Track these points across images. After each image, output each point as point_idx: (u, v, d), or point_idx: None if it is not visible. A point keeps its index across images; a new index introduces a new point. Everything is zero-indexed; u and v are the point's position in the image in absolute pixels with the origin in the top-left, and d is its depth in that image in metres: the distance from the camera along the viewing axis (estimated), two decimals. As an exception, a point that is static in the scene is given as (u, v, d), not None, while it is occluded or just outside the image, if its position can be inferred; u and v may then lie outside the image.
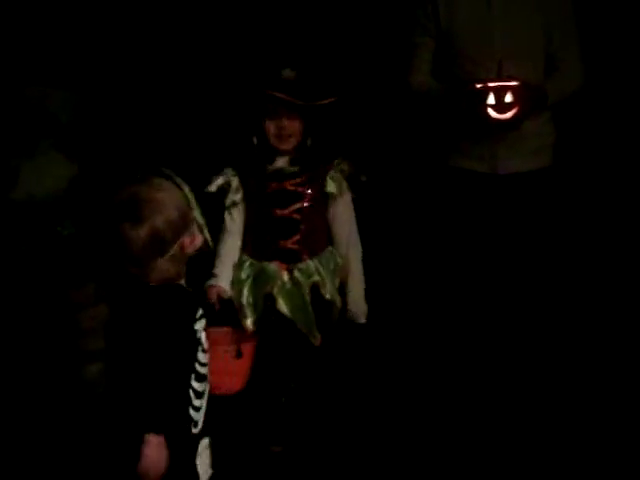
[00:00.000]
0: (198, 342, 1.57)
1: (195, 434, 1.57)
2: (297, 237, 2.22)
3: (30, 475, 2.14)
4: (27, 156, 2.43)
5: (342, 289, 2.28)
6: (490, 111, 2.29)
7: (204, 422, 1.60)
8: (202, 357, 1.58)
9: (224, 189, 2.24)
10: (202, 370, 1.59)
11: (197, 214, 1.56)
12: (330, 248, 2.28)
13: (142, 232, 1.47)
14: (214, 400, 1.80)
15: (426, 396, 2.54)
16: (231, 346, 2.10)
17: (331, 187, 2.23)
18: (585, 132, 2.83)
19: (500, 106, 2.28)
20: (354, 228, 2.31)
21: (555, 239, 2.47)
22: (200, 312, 1.58)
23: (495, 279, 2.42)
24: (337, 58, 2.77)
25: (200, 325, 1.57)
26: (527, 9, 2.33)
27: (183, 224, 1.52)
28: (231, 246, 2.24)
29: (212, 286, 2.21)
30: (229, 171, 2.24)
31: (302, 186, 2.22)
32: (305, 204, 2.22)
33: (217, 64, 2.72)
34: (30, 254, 2.37)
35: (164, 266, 1.51)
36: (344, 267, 2.27)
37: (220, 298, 2.20)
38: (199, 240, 1.58)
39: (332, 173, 2.24)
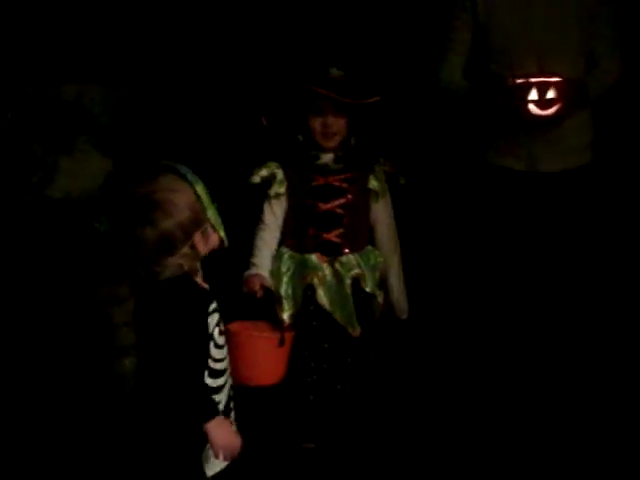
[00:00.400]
0: (210, 337, 1.57)
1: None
2: (339, 230, 2.23)
3: (65, 467, 2.14)
4: (65, 153, 2.43)
5: (382, 286, 2.29)
6: (531, 107, 2.24)
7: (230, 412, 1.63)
8: (216, 353, 1.58)
9: (267, 181, 2.25)
10: (217, 366, 1.58)
11: (211, 213, 1.54)
12: (370, 247, 2.30)
13: (152, 234, 1.49)
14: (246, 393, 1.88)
15: (467, 395, 2.50)
16: (273, 334, 2.08)
17: (374, 185, 2.26)
18: (623, 129, 2.77)
19: (542, 102, 2.23)
20: (394, 227, 2.34)
21: (593, 238, 2.44)
22: (213, 306, 1.58)
23: (533, 276, 2.39)
24: (379, 57, 2.74)
25: (213, 319, 1.57)
26: (568, 4, 2.29)
27: (195, 224, 1.52)
28: (270, 238, 2.25)
29: (254, 274, 2.21)
30: (273, 164, 2.26)
31: (346, 182, 2.24)
32: (348, 199, 2.23)
33: (263, 62, 2.71)
34: (67, 250, 2.38)
35: (175, 264, 1.51)
36: (384, 265, 2.29)
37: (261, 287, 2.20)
38: (214, 239, 1.57)
39: (375, 172, 2.27)
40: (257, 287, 2.19)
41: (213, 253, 1.58)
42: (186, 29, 2.68)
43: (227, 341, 1.93)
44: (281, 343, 2.04)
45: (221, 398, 1.60)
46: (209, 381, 1.57)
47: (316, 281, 2.21)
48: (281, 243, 2.28)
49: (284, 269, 2.23)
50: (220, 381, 1.59)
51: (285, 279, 2.23)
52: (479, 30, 2.35)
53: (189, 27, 2.68)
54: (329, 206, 2.23)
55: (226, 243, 1.59)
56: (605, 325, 2.65)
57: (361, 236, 2.29)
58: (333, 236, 2.23)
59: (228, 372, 1.63)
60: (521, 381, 2.44)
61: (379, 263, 2.28)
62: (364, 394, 2.28)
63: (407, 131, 2.66)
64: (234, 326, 2.02)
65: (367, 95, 2.19)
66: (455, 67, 2.38)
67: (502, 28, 2.30)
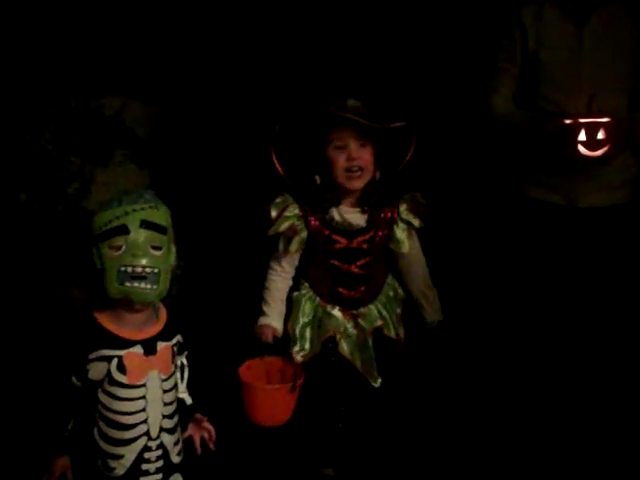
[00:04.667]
0: (94, 383, 1.58)
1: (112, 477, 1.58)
2: (362, 288, 2.13)
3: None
4: (101, 165, 2.47)
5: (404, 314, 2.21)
6: (580, 148, 2.12)
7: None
8: (111, 403, 1.58)
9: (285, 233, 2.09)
10: (116, 417, 1.58)
11: None
12: (389, 280, 2.20)
13: None
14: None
15: (494, 422, 2.42)
16: (284, 384, 2.04)
17: (398, 245, 2.10)
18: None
19: (591, 143, 2.10)
20: (421, 258, 2.20)
21: (631, 275, 2.32)
22: (102, 353, 1.58)
23: (569, 311, 2.30)
24: (401, 85, 2.64)
25: (98, 367, 1.58)
26: (619, 42, 2.19)
27: None
28: (284, 285, 2.13)
29: (266, 326, 2.11)
30: (291, 213, 2.07)
31: (370, 242, 2.09)
32: (372, 259, 2.10)
33: (279, 89, 2.63)
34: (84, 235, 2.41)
35: None
36: (413, 291, 2.19)
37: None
38: None
39: (399, 224, 2.10)
40: (269, 339, 2.10)
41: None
42: (218, 47, 2.64)
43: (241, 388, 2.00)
44: (292, 390, 2.01)
45: (123, 453, 1.58)
46: (107, 430, 1.57)
47: (338, 336, 2.11)
48: (297, 278, 2.17)
49: (301, 316, 2.12)
50: (123, 435, 1.58)
51: (302, 321, 2.12)
52: (527, 62, 2.23)
53: (222, 45, 2.64)
54: (352, 267, 2.10)
55: None
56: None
57: (381, 279, 2.18)
58: (355, 293, 2.13)
59: (142, 430, 1.59)
60: (549, 404, 2.36)
61: (400, 296, 2.19)
62: (383, 420, 2.21)
63: (439, 163, 2.55)
64: (245, 372, 2.03)
65: (391, 121, 2.02)
66: (505, 95, 2.29)
67: (551, 62, 2.21)
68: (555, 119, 2.12)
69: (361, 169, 2.04)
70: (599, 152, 2.11)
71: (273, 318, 2.12)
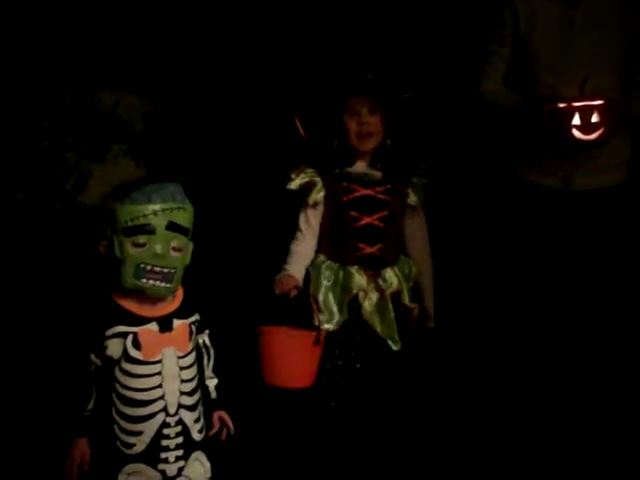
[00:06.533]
0: (112, 361, 1.61)
1: (132, 454, 1.60)
2: (380, 245, 2.17)
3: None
4: (98, 160, 2.47)
5: (415, 296, 2.25)
6: (575, 132, 2.12)
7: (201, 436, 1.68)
8: (127, 380, 1.60)
9: (304, 188, 2.17)
10: (130, 394, 1.59)
11: None
12: (403, 256, 2.24)
13: None
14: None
15: (495, 414, 2.42)
16: (307, 333, 2.01)
17: (413, 200, 2.21)
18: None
19: (585, 126, 2.11)
20: (427, 240, 2.29)
21: (627, 257, 2.33)
22: (118, 329, 1.60)
23: (565, 293, 2.30)
24: (409, 65, 2.66)
25: (115, 344, 1.60)
26: (610, 23, 2.18)
27: None
28: (306, 248, 2.18)
29: (287, 275, 2.13)
30: (309, 170, 2.18)
31: (388, 194, 2.18)
32: (390, 211, 2.18)
33: (297, 67, 2.63)
34: (97, 257, 2.41)
35: None
36: (417, 276, 2.24)
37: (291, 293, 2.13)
38: None
39: (415, 184, 2.22)
40: (291, 287, 2.11)
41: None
42: (221, 40, 2.64)
43: (259, 342, 1.98)
44: (316, 342, 1.99)
45: (142, 429, 1.59)
46: (125, 408, 1.59)
47: (362, 295, 2.15)
48: (316, 251, 2.21)
49: (323, 280, 2.16)
50: (140, 412, 1.59)
51: (324, 289, 2.16)
52: (519, 45, 2.24)
53: (224, 38, 2.65)
54: (370, 219, 2.17)
55: None
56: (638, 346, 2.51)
57: (398, 247, 2.23)
58: (375, 250, 2.17)
59: (159, 406, 1.61)
60: (549, 399, 2.35)
61: (413, 274, 2.23)
62: (389, 403, 2.20)
63: (440, 140, 2.57)
64: (263, 328, 2.00)
65: (403, 92, 2.17)
66: (496, 79, 2.29)
67: (543, 45, 2.20)
68: (548, 103, 2.12)
69: (370, 134, 2.16)
70: (593, 135, 2.11)
71: (294, 271, 2.14)
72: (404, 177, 2.21)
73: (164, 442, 1.61)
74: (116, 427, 1.60)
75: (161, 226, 1.58)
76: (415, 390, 2.24)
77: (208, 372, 1.76)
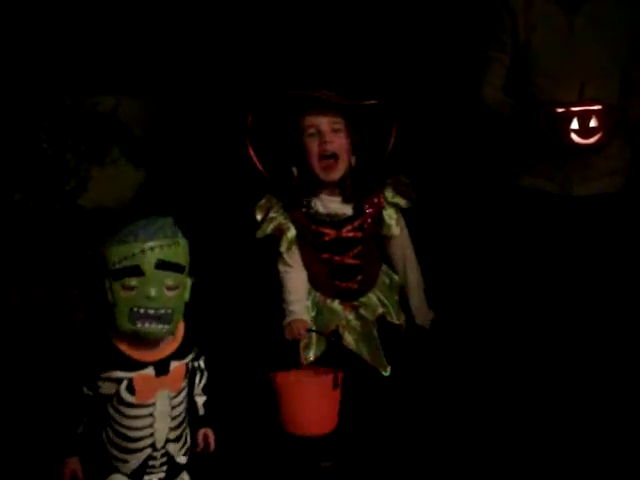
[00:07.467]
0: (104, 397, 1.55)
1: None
2: (359, 278, 2.11)
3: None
4: (97, 163, 2.47)
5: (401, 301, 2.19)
6: (573, 136, 2.12)
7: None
8: (120, 419, 1.54)
9: (274, 235, 2.06)
10: (123, 431, 1.55)
11: None
12: (384, 268, 2.18)
13: None
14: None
15: (495, 418, 2.40)
16: (324, 378, 1.96)
17: (389, 229, 2.11)
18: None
19: (584, 131, 2.10)
20: (409, 244, 2.19)
21: (625, 263, 2.31)
22: (116, 374, 1.53)
23: (563, 299, 2.28)
24: (391, 68, 2.63)
25: (106, 385, 1.54)
26: (610, 29, 2.18)
27: None
28: (298, 278, 2.09)
29: (298, 320, 2.04)
30: (276, 208, 2.06)
31: (358, 230, 2.08)
32: (364, 247, 2.09)
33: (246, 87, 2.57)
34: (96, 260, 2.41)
35: None
36: (403, 281, 2.18)
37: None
38: None
39: (387, 209, 2.10)
40: (303, 332, 2.04)
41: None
42: (221, 42, 2.65)
43: (275, 391, 1.93)
44: (335, 386, 1.94)
45: (128, 459, 1.57)
46: (114, 437, 1.55)
47: (341, 329, 2.09)
48: None
49: (310, 313, 2.10)
50: (128, 445, 1.55)
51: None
52: (518, 51, 2.25)
53: (224, 40, 2.65)
54: (345, 258, 2.09)
55: None
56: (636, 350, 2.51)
57: (376, 266, 2.17)
58: (353, 284, 2.10)
59: (147, 442, 1.57)
60: (552, 403, 2.33)
61: (395, 283, 2.17)
62: (384, 413, 2.18)
63: (431, 152, 2.56)
64: (280, 376, 1.96)
65: (364, 99, 1.99)
66: (496, 85, 2.28)
67: (542, 51, 2.19)
68: (547, 108, 2.12)
69: (335, 155, 2.01)
70: (592, 140, 2.10)
71: (300, 312, 2.07)
72: (374, 201, 2.09)
73: (149, 470, 1.58)
74: (105, 450, 1.57)
75: (150, 265, 1.47)
76: (412, 407, 2.24)
77: (198, 390, 1.69)
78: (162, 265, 1.48)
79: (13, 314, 2.42)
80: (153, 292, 1.47)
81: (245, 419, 2.17)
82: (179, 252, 1.51)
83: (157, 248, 1.47)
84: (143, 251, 1.47)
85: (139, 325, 1.49)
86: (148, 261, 1.47)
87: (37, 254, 2.46)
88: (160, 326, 1.50)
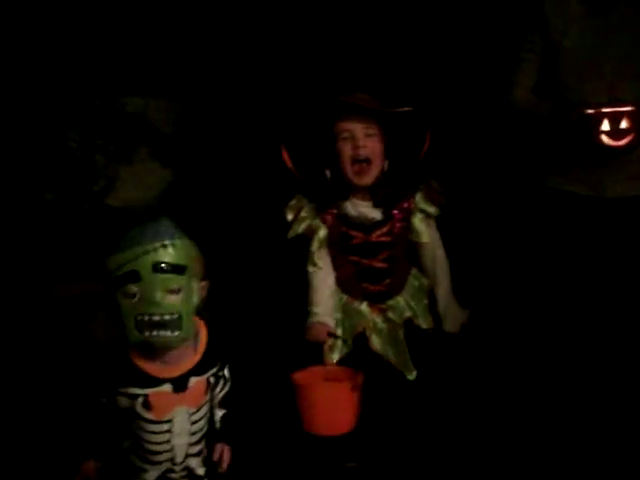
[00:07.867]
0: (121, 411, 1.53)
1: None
2: (387, 281, 2.10)
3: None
4: (126, 163, 2.50)
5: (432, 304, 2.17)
6: (604, 138, 2.09)
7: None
8: (142, 434, 1.53)
9: (305, 235, 2.08)
10: (139, 440, 1.54)
11: None
12: (413, 271, 2.17)
13: None
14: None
15: (514, 427, 2.38)
16: (346, 380, 1.97)
17: (417, 235, 2.09)
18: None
19: (615, 132, 2.07)
20: (439, 246, 2.16)
21: None
22: (135, 391, 1.51)
23: (598, 304, 2.26)
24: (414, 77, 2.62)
25: (123, 399, 1.52)
26: None
27: None
28: (326, 279, 2.09)
29: (321, 323, 2.05)
30: (307, 209, 2.06)
31: (388, 235, 2.07)
32: (392, 251, 2.08)
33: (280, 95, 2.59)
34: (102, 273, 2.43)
35: None
36: (432, 284, 2.16)
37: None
38: None
39: (416, 214, 2.08)
40: (324, 336, 2.05)
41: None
42: (248, 44, 2.66)
43: (295, 391, 1.94)
44: (355, 387, 1.95)
45: (148, 469, 1.56)
46: (135, 445, 1.54)
47: (368, 331, 2.09)
48: None
49: (337, 315, 2.10)
50: (147, 456, 1.54)
51: (339, 326, 2.10)
52: (549, 52, 2.21)
53: (251, 42, 2.66)
54: (374, 262, 2.08)
55: None
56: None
57: (406, 270, 2.15)
58: (381, 287, 2.10)
59: (166, 457, 1.55)
60: (590, 411, 2.29)
61: (425, 286, 2.16)
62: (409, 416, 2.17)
63: (460, 155, 2.53)
64: (299, 377, 1.98)
65: (398, 105, 1.98)
66: (527, 86, 2.26)
67: (574, 51, 2.16)
68: (577, 109, 2.09)
69: (368, 160, 2.00)
70: (623, 141, 2.07)
71: (324, 314, 2.07)
72: (404, 207, 2.08)
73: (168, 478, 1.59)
74: (128, 454, 1.56)
75: (147, 269, 1.42)
76: (436, 413, 2.19)
77: (217, 400, 1.65)
78: (159, 268, 1.43)
79: (40, 312, 2.46)
80: (154, 296, 1.42)
81: (268, 420, 2.17)
82: (177, 253, 1.46)
83: (152, 251, 1.43)
84: (137, 256, 1.43)
85: (147, 334, 1.44)
86: (144, 265, 1.42)
87: (66, 253, 2.50)
88: (169, 333, 1.45)
